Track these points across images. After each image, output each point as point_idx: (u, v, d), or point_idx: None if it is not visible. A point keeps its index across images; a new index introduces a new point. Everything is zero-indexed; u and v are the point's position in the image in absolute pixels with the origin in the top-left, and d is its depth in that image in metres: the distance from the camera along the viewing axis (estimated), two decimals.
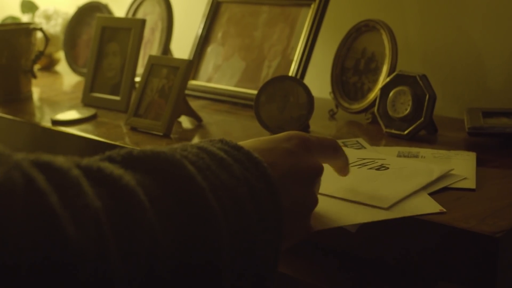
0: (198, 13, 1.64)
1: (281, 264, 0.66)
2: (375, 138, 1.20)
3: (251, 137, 1.21)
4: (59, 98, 1.61)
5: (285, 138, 0.74)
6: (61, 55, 1.98)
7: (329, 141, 0.79)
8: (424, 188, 0.87)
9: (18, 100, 1.58)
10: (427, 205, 0.82)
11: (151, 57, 1.31)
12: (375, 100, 1.25)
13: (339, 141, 1.10)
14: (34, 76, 1.60)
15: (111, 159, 0.57)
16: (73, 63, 1.84)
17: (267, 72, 1.44)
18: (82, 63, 1.82)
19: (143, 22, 1.44)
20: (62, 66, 1.98)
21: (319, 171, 0.75)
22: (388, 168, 0.94)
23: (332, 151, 0.80)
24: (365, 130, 1.27)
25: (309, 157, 0.74)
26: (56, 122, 1.34)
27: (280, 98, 1.20)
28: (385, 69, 1.28)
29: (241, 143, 0.70)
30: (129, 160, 0.57)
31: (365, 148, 1.09)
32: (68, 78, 1.88)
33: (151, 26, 1.65)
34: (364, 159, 0.99)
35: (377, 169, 0.94)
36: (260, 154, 0.68)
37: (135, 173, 0.55)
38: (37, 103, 1.60)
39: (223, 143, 0.68)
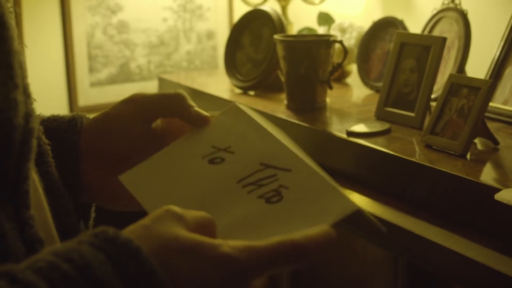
0: (495, 33, 1.61)
1: None
2: None
3: None
4: (350, 109, 1.66)
5: (219, 264, 0.55)
6: (353, 67, 2.03)
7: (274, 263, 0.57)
8: None
9: (313, 109, 1.65)
10: None
11: (451, 76, 1.31)
12: None
13: None
14: (330, 87, 1.66)
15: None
16: (365, 77, 1.88)
17: None
18: (374, 77, 1.86)
19: (443, 40, 1.44)
20: (352, 79, 2.03)
21: None
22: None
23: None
24: None
25: None
26: (351, 134, 1.39)
27: None
28: None
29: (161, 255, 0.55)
30: None
31: None
32: (358, 90, 1.92)
33: (447, 45, 1.64)
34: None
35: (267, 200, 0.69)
36: (173, 276, 0.54)
37: None
38: (329, 113, 1.65)
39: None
